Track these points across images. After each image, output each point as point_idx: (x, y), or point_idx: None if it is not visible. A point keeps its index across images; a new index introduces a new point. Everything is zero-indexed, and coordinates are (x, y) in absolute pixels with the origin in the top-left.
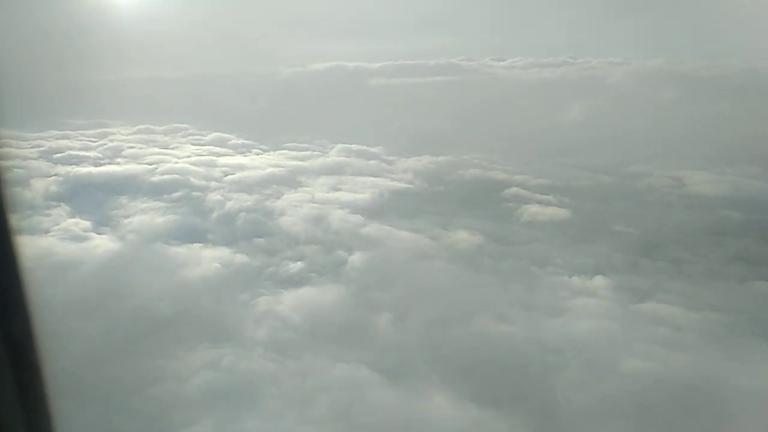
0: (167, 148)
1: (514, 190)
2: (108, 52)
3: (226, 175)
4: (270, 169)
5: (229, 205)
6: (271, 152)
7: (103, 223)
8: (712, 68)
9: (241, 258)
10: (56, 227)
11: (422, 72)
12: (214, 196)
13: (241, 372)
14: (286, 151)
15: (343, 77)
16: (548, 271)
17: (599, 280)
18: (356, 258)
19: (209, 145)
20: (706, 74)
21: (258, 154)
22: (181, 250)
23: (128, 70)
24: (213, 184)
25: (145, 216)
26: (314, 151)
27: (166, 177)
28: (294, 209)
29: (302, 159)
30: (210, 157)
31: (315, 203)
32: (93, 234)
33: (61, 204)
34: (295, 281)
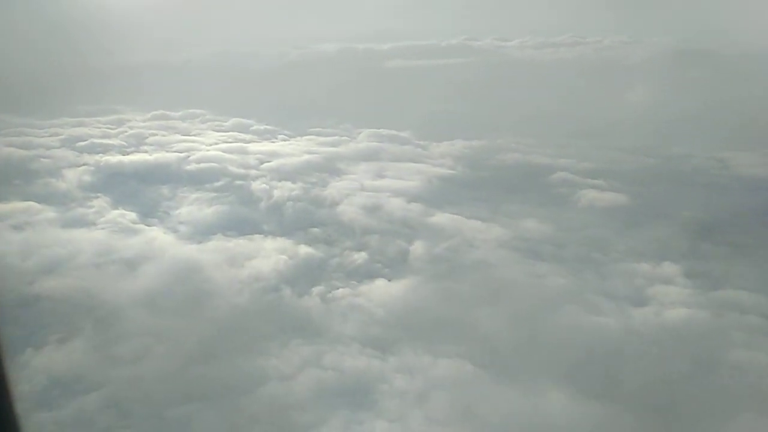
0: (190, 135)
1: (561, 174)
2: (111, 35)
3: (262, 163)
4: (306, 156)
5: (276, 194)
6: (298, 138)
7: (148, 214)
8: (735, 46)
9: (305, 249)
10: (102, 219)
11: (434, 53)
12: (258, 185)
13: (347, 370)
14: (313, 137)
15: (355, 59)
16: (612, 258)
17: (668, 267)
18: (425, 248)
19: (232, 131)
20: (729, 52)
21: (285, 140)
22: (242, 242)
23: (132, 53)
24: (253, 172)
25: (192, 206)
26: (342, 136)
27: (203, 165)
28: (347, 198)
29: (333, 145)
30: (239, 144)
31: (366, 191)
32: (143, 226)
33: (99, 195)
34: (365, 273)
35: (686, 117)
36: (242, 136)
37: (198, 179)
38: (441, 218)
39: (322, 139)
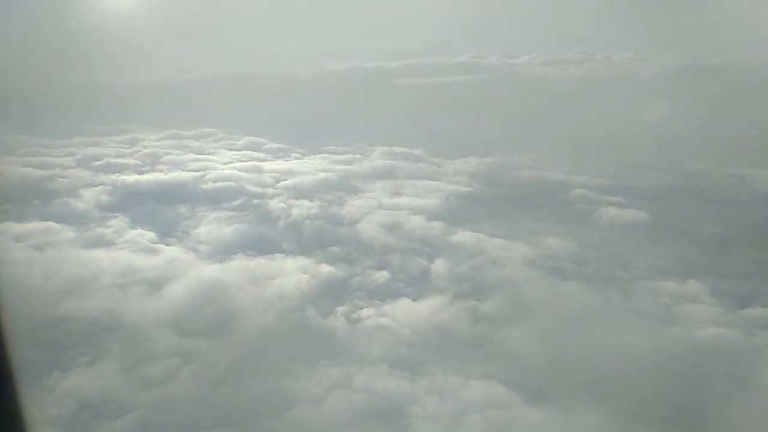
0: (204, 154)
1: (579, 191)
2: (122, 55)
3: (278, 182)
4: (321, 175)
5: (294, 212)
6: (312, 156)
7: (167, 234)
8: (744, 61)
9: (326, 268)
10: (121, 239)
11: (443, 71)
12: (275, 204)
13: (378, 392)
14: (326, 155)
15: (365, 77)
16: (636, 276)
17: (693, 285)
18: (448, 266)
19: (245, 150)
20: (739, 67)
21: (298, 158)
22: (264, 261)
23: (142, 73)
24: (269, 191)
25: (211, 226)
26: (355, 154)
27: (219, 184)
28: (366, 216)
29: (348, 163)
30: (254, 163)
31: (384, 209)
32: (162, 246)
33: (117, 214)
34: (387, 292)
35: (700, 133)
36: (256, 154)
37: (215, 198)
38: (463, 236)
39: (335, 157)
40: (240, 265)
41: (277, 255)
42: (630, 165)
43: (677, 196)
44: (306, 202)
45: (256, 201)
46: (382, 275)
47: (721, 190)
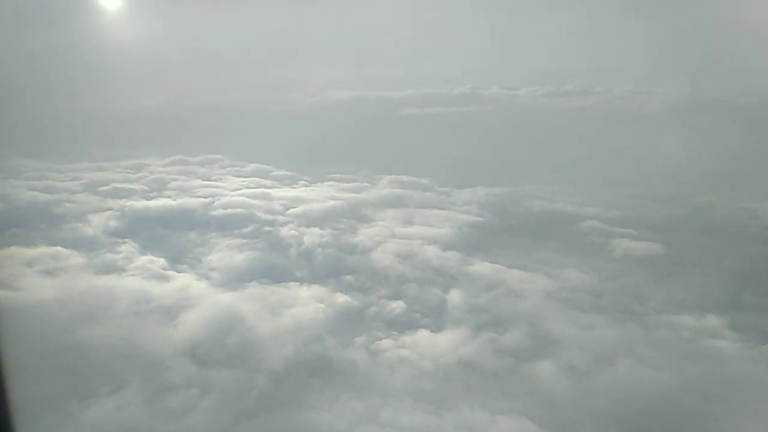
0: (210, 180)
1: (590, 223)
2: (125, 80)
3: (287, 209)
4: (330, 202)
5: (306, 240)
6: (319, 184)
7: (178, 260)
8: (747, 97)
9: (342, 298)
10: (131, 265)
11: (446, 101)
12: (286, 231)
13: (405, 427)
14: (333, 183)
15: (369, 107)
16: (654, 309)
17: (712, 319)
18: (465, 297)
19: (252, 177)
20: (741, 103)
21: (306, 185)
22: (278, 290)
23: (145, 99)
24: (280, 218)
25: (222, 253)
26: (362, 182)
27: (229, 211)
28: (379, 245)
29: (356, 191)
30: (262, 190)
31: (397, 238)
32: (174, 273)
33: (126, 240)
34: (405, 323)
35: (706, 166)
36: (263, 181)
37: (225, 225)
38: (480, 267)
39: (343, 185)
40: (255, 294)
41: (292, 283)
42: (639, 197)
43: (688, 229)
44: (317, 230)
45: (267, 228)
46: (398, 305)
47: (731, 223)
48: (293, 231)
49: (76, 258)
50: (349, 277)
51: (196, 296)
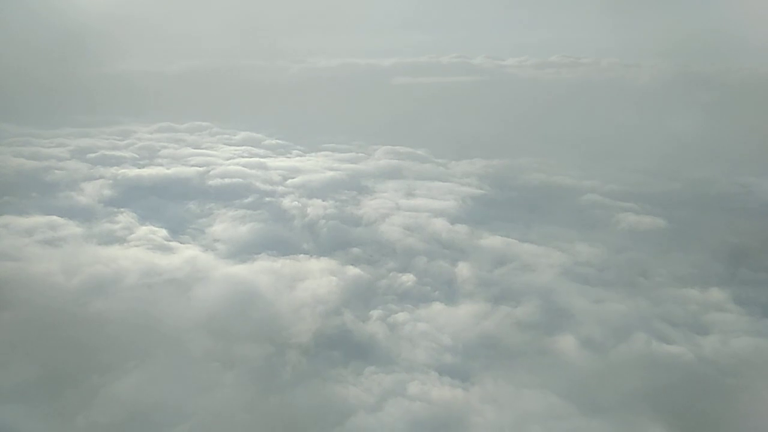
0: (201, 148)
1: (591, 196)
2: (104, 44)
3: (286, 179)
4: (329, 173)
5: (309, 211)
6: (313, 154)
7: (179, 231)
8: (739, 71)
9: (352, 270)
10: (132, 236)
11: (436, 71)
12: (289, 202)
13: (434, 400)
14: (328, 153)
15: (359, 75)
16: (658, 283)
17: (717, 293)
18: (474, 270)
19: (244, 146)
20: (732, 77)
21: (300, 155)
22: (288, 262)
23: (127, 62)
24: (279, 188)
25: (225, 224)
26: (358, 153)
27: (227, 181)
28: (385, 217)
29: (352, 161)
30: (257, 159)
31: (402, 210)
32: (177, 244)
33: (123, 209)
34: (417, 296)
35: (698, 140)
36: (256, 150)
37: (224, 195)
38: (491, 241)
39: (338, 155)
40: (266, 266)
41: (300, 256)
42: (634, 171)
43: (687, 204)
44: (319, 201)
45: (267, 199)
46: (408, 278)
47: (728, 198)
48: (295, 202)
49: (73, 227)
50: (356, 250)
51: (205, 268)
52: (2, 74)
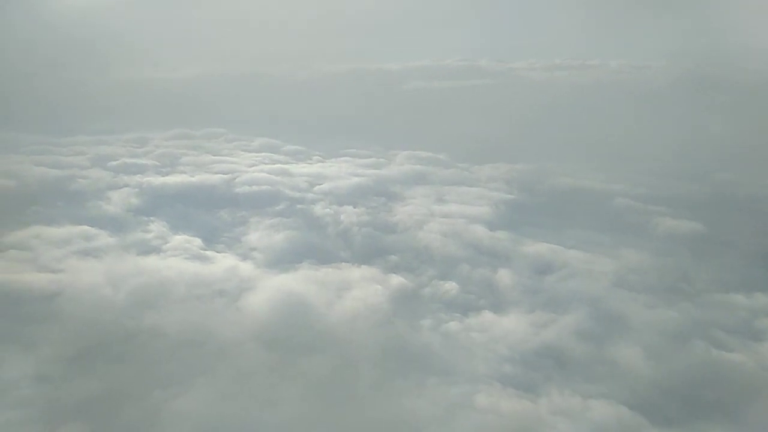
0: (221, 155)
1: (622, 201)
2: (112, 51)
3: (313, 186)
4: (355, 179)
5: (343, 218)
6: (334, 160)
7: (213, 240)
8: (753, 73)
9: (396, 279)
10: (167, 245)
11: (445, 74)
12: (320, 210)
13: (504, 413)
14: (349, 158)
15: (370, 80)
16: (700, 288)
17: (762, 298)
18: (519, 278)
19: (263, 152)
20: (743, 79)
21: (320, 161)
22: (330, 271)
23: (133, 69)
24: (309, 195)
25: (260, 232)
26: (378, 158)
27: (254, 188)
28: (420, 223)
29: (375, 167)
30: (280, 166)
31: (436, 216)
32: (213, 253)
33: (153, 218)
34: (463, 304)
35: (720, 142)
36: (276, 157)
37: (254, 202)
38: (536, 247)
39: (360, 161)
40: (309, 275)
41: (342, 264)
42: (660, 174)
43: (719, 207)
44: (350, 208)
45: (298, 206)
46: (451, 286)
47: (758, 201)
48: (327, 209)
49: (106, 237)
50: (393, 257)
51: (250, 278)
52: (14, 82)
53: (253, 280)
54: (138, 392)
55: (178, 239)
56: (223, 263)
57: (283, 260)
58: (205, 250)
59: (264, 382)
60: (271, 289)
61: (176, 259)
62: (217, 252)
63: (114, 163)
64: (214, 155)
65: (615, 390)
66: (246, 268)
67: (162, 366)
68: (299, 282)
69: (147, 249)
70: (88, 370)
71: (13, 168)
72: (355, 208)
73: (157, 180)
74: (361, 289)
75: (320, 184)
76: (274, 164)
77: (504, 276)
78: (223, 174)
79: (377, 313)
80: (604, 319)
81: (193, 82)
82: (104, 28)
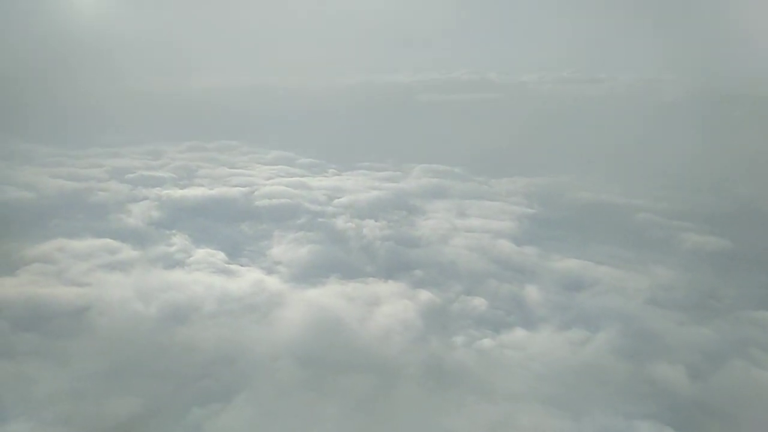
0: (237, 168)
1: (644, 215)
2: (122, 62)
3: (332, 199)
4: (374, 193)
5: (366, 233)
6: (350, 173)
7: (236, 253)
8: (765, 86)
9: (424, 294)
10: (191, 259)
11: (455, 87)
12: (341, 223)
13: None
14: (365, 171)
15: (381, 93)
16: (728, 305)
17: None
18: (549, 294)
19: (279, 165)
20: (755, 93)
21: (336, 174)
22: (358, 286)
23: (143, 80)
24: (329, 209)
25: (283, 246)
26: (394, 171)
27: (274, 202)
28: (444, 238)
29: (392, 180)
30: (297, 179)
31: (461, 231)
32: (237, 266)
33: (174, 231)
34: (494, 321)
35: (737, 156)
36: (292, 170)
37: (275, 216)
38: (568, 263)
39: (376, 174)
40: (337, 290)
41: (369, 279)
42: (679, 188)
43: (743, 222)
44: (372, 222)
45: (319, 220)
46: (480, 302)
47: None
48: (349, 223)
49: (129, 251)
50: (418, 272)
51: (277, 293)
52: (25, 93)
53: (281, 295)
54: (177, 410)
55: (202, 253)
56: (249, 277)
57: (309, 274)
58: (229, 263)
59: (304, 399)
60: (301, 304)
61: (201, 273)
62: (241, 266)
63: (131, 175)
64: (230, 168)
65: (658, 410)
66: (273, 282)
67: (198, 382)
68: (329, 297)
69: (171, 263)
70: (125, 386)
71: (30, 180)
72: (376, 221)
73: (176, 193)
74: (390, 305)
75: (339, 198)
76: (291, 177)
77: (532, 292)
78: (242, 187)
79: (410, 329)
80: (638, 336)
81: (204, 94)
82: (117, 37)
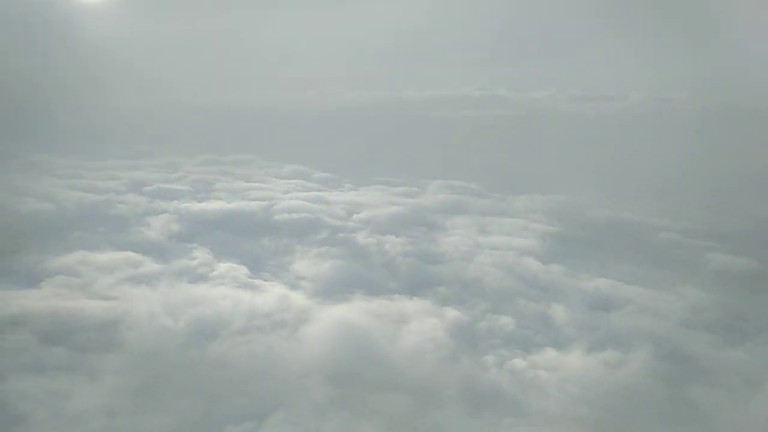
0: (253, 182)
1: (667, 235)
2: (137, 76)
3: (351, 214)
4: (392, 208)
5: (388, 249)
6: (366, 188)
7: (258, 268)
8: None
9: (451, 312)
10: (214, 273)
11: (467, 103)
12: (362, 239)
13: None
14: (381, 186)
15: (394, 108)
16: (758, 327)
17: None
18: (577, 313)
19: (295, 179)
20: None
21: (353, 189)
22: (383, 303)
23: (154, 94)
24: (350, 224)
25: (305, 261)
26: (410, 186)
27: (294, 216)
28: (467, 255)
29: (410, 195)
30: (315, 193)
31: (483, 248)
32: (260, 281)
33: (195, 245)
34: (522, 340)
35: (756, 175)
36: (309, 184)
37: (295, 230)
38: (597, 282)
39: (393, 189)
40: (363, 307)
41: (394, 296)
42: (698, 207)
43: (764, 241)
44: (392, 238)
45: (340, 235)
46: (507, 321)
47: None
48: (370, 239)
49: (151, 264)
50: (442, 289)
51: (304, 309)
52: (41, 104)
53: (308, 311)
54: (211, 427)
55: (224, 267)
56: (274, 292)
57: (334, 290)
58: (252, 278)
59: (339, 418)
60: (328, 321)
61: (226, 288)
62: (264, 281)
63: (149, 188)
64: (246, 181)
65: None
66: (297, 298)
67: (231, 399)
68: (356, 314)
69: (194, 277)
70: (158, 403)
71: (49, 191)
72: (397, 237)
73: (195, 206)
74: (418, 323)
75: (358, 213)
76: (308, 192)
77: (560, 311)
78: (260, 201)
79: (441, 348)
80: (673, 358)
81: (219, 108)
82: (135, 50)
